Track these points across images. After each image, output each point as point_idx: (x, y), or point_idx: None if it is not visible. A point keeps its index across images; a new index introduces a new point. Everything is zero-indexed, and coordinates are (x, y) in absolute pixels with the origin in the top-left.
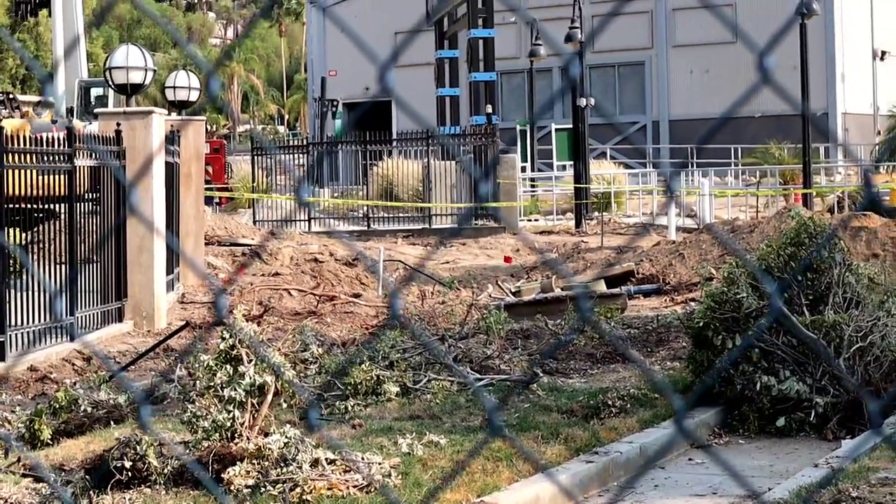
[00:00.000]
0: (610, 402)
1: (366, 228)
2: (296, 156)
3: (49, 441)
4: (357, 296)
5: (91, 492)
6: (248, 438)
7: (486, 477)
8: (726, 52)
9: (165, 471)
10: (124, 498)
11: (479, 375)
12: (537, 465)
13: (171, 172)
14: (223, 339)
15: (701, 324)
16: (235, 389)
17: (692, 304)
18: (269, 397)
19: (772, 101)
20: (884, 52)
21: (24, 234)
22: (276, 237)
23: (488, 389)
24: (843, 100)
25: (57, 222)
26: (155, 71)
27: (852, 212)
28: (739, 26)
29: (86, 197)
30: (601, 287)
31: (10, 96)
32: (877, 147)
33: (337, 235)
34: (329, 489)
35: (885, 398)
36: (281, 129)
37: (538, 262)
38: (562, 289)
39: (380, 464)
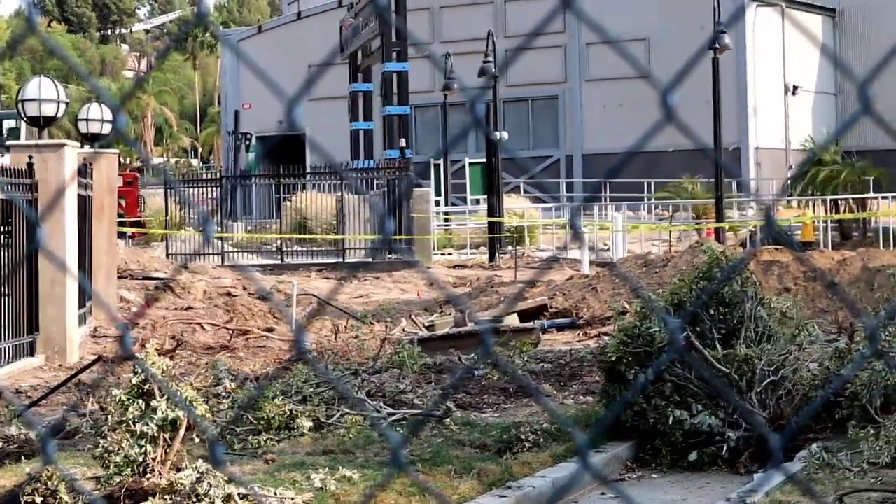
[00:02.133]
0: (523, 437)
1: (279, 262)
2: (208, 189)
3: None
4: (270, 330)
5: None
6: (160, 473)
7: None
8: (640, 87)
9: None
10: None
11: (392, 410)
12: (446, 502)
13: (84, 205)
14: (135, 373)
15: (613, 358)
16: (147, 424)
17: (605, 338)
18: (182, 432)
19: (684, 135)
20: (795, 87)
21: None
22: (189, 271)
23: (401, 424)
24: (756, 134)
25: None
26: (68, 103)
27: (764, 245)
28: (651, 61)
29: None
30: (514, 321)
31: None
32: (788, 182)
33: (244, 270)
34: None
35: (785, 434)
36: (195, 161)
37: (446, 297)
38: (475, 323)
39: (292, 499)
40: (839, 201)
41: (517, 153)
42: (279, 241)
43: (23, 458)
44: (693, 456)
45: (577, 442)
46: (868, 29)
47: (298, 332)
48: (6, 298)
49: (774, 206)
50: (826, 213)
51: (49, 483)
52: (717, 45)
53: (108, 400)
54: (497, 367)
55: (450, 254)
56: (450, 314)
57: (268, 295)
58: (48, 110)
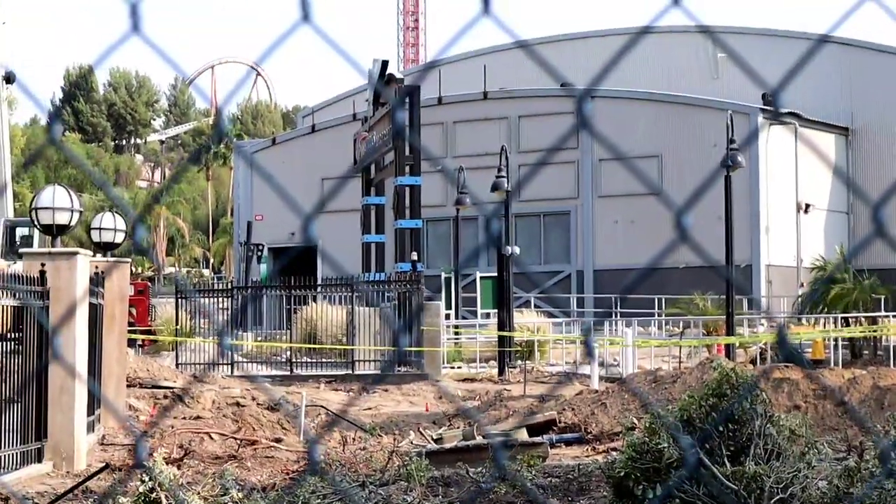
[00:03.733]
0: None
1: (288, 373)
2: (220, 300)
3: None
4: (278, 440)
5: None
6: None
7: None
8: (651, 203)
9: None
10: None
11: None
12: None
13: (95, 314)
14: (142, 481)
15: (622, 473)
16: None
17: (614, 453)
18: None
19: (693, 252)
20: (808, 205)
21: None
22: (199, 380)
23: None
24: (768, 252)
25: None
26: (81, 212)
27: (774, 363)
28: (663, 178)
29: (8, 336)
30: (523, 435)
31: None
32: (799, 299)
33: (254, 380)
34: None
35: None
36: (206, 272)
37: (456, 411)
38: (483, 437)
39: None
40: (850, 319)
41: (529, 268)
42: (289, 352)
43: None
44: None
45: None
46: (881, 148)
47: (310, 444)
48: (15, 405)
49: (786, 323)
50: (837, 330)
51: None
52: (730, 164)
53: None
54: (505, 480)
55: (459, 367)
56: (458, 427)
57: (279, 404)
58: (62, 219)
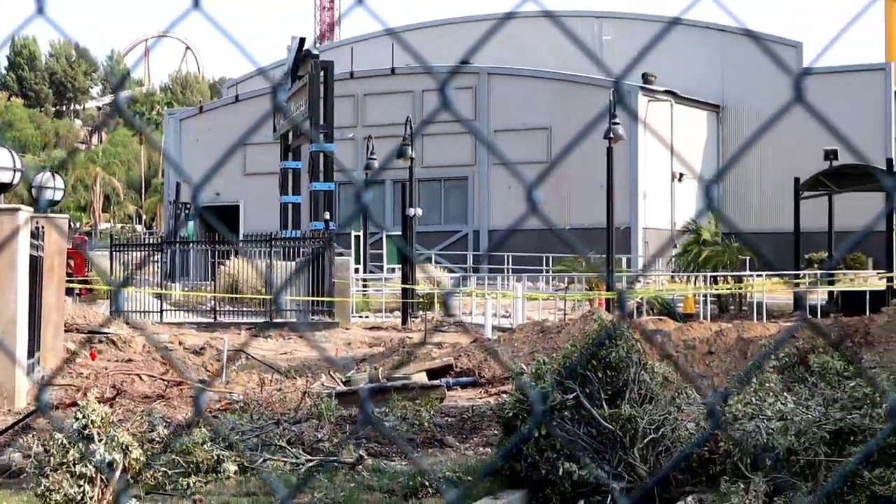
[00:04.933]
0: (427, 484)
1: (213, 321)
2: (150, 253)
3: None
4: (203, 381)
5: None
6: None
7: None
8: (541, 170)
9: None
10: None
11: (309, 457)
12: None
13: (35, 265)
14: (76, 419)
15: (511, 414)
16: (86, 465)
17: (504, 395)
18: (118, 474)
19: (580, 215)
20: (681, 175)
21: None
22: (130, 326)
23: (317, 469)
24: (645, 216)
25: None
26: (22, 171)
27: (650, 316)
28: (551, 148)
29: None
30: (423, 379)
31: None
32: (673, 259)
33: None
34: None
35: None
36: (139, 227)
37: (364, 355)
38: (388, 380)
39: None
40: (718, 278)
41: (429, 226)
42: (213, 301)
43: None
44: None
45: (446, 499)
46: (748, 123)
47: (197, 394)
48: None
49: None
50: (706, 287)
51: None
52: (611, 136)
53: (52, 443)
54: (405, 419)
55: (367, 316)
56: (365, 371)
57: (163, 349)
58: (4, 178)
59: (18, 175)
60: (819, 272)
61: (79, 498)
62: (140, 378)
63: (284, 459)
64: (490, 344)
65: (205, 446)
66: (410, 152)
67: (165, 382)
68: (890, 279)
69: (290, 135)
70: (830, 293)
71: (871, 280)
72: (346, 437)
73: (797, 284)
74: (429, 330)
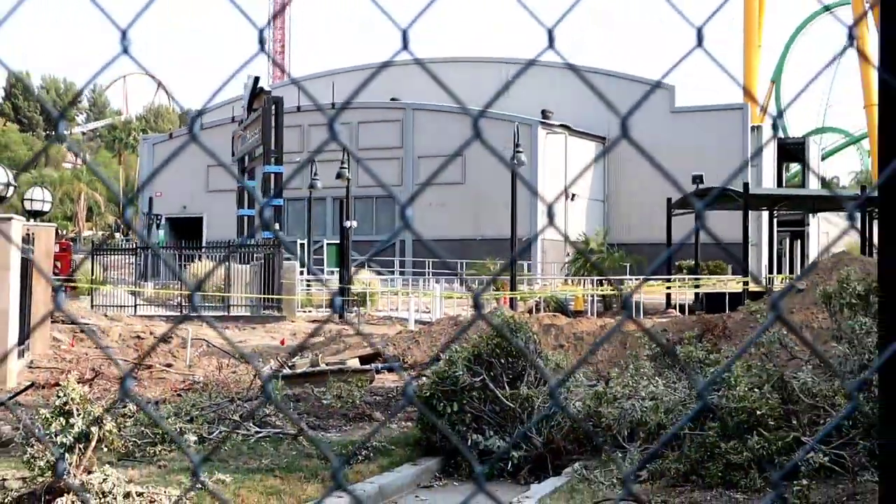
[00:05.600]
0: (357, 452)
1: (179, 314)
2: (126, 256)
3: None
4: (169, 366)
5: None
6: (75, 475)
7: None
8: (457, 190)
9: (6, 500)
10: None
11: (258, 429)
12: (298, 499)
13: (26, 266)
14: (58, 396)
15: (428, 394)
16: (66, 436)
17: (423, 378)
18: (93, 443)
19: (489, 228)
20: (574, 195)
21: None
22: (108, 318)
23: (266, 439)
24: (550, 231)
25: None
26: (16, 186)
27: (546, 312)
28: (467, 173)
29: None
30: (355, 364)
31: None
32: (566, 265)
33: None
34: None
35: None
36: (118, 235)
37: (304, 342)
38: (326, 364)
39: (178, 496)
40: (602, 281)
41: (362, 236)
42: (179, 298)
43: None
44: (486, 469)
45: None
46: (628, 153)
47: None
48: None
49: (555, 283)
50: (593, 289)
51: None
52: (515, 162)
53: (37, 417)
54: (340, 398)
55: (310, 311)
56: (307, 357)
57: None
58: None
59: (12, 189)
60: (687, 276)
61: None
62: (115, 362)
63: (237, 431)
64: (411, 334)
65: (169, 419)
66: (347, 174)
67: (137, 366)
68: (745, 283)
69: (247, 158)
70: (696, 294)
71: (729, 284)
72: (291, 412)
73: (668, 286)
74: (362, 322)
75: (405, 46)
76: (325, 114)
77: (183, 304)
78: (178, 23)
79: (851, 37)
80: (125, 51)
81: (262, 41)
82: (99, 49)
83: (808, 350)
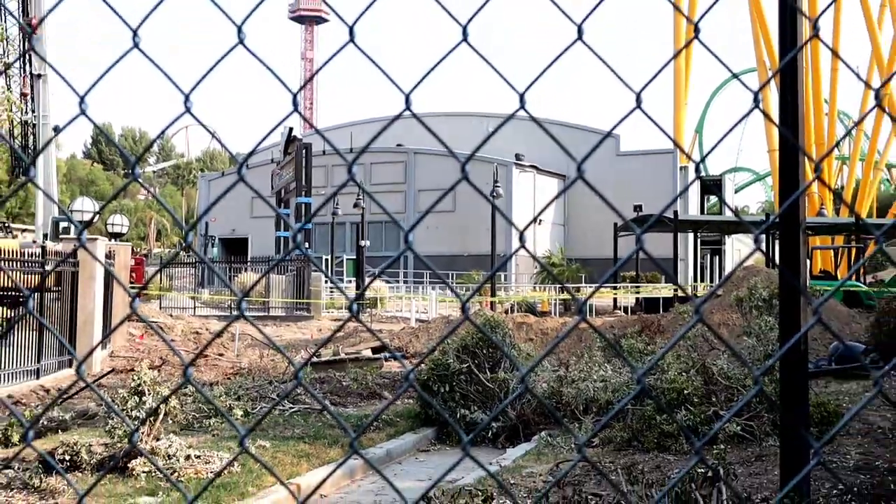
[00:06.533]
0: (370, 424)
1: (229, 314)
2: (188, 269)
3: (17, 443)
4: (221, 355)
5: (42, 475)
6: (146, 442)
7: (293, 467)
8: (448, 217)
9: (92, 461)
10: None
11: (291, 405)
12: (319, 460)
13: (108, 277)
14: (133, 379)
15: (426, 377)
16: (139, 411)
17: (422, 366)
18: (161, 417)
19: (474, 247)
20: (541, 220)
21: (9, 311)
22: (173, 318)
23: (296, 413)
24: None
25: (32, 304)
26: (100, 214)
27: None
28: (457, 202)
29: (51, 289)
30: (368, 353)
31: (6, 225)
32: (534, 275)
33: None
34: (195, 473)
35: (474, 430)
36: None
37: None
38: (346, 354)
39: (227, 458)
40: (563, 288)
41: (374, 252)
42: (229, 302)
43: (59, 431)
44: (471, 437)
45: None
46: (581, 188)
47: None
48: (58, 331)
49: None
50: (556, 294)
51: (74, 447)
52: (494, 195)
53: (116, 396)
54: (356, 381)
55: (332, 312)
56: (331, 348)
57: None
58: (88, 217)
59: (97, 216)
60: (629, 284)
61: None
62: (176, 353)
63: (275, 407)
64: (412, 331)
65: (221, 398)
66: (362, 204)
67: (196, 356)
68: (675, 290)
69: (283, 191)
70: (637, 298)
71: (663, 291)
72: (318, 392)
73: (615, 293)
74: (374, 321)
75: (408, 107)
76: (344, 159)
77: (232, 306)
78: (229, 83)
79: (756, 99)
80: (188, 110)
81: (294, 104)
82: (167, 104)
83: (723, 343)
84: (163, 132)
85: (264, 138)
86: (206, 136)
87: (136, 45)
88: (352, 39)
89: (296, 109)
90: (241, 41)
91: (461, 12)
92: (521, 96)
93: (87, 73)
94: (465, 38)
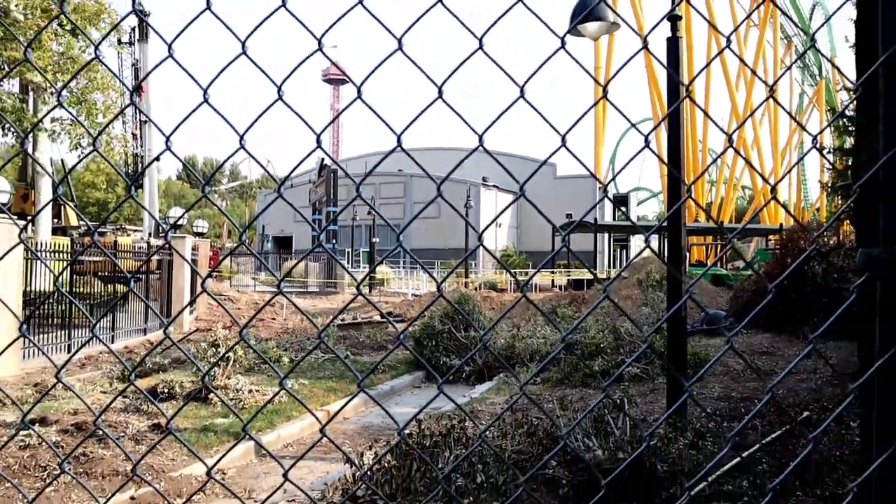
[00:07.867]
0: (379, 368)
1: (277, 291)
2: (250, 258)
3: (130, 380)
4: (273, 319)
5: (148, 402)
6: (219, 380)
7: (324, 398)
8: (435, 221)
9: (183, 393)
10: (163, 405)
11: (323, 354)
12: (344, 393)
13: (195, 264)
14: (212, 336)
15: (418, 336)
16: (215, 358)
17: (416, 326)
18: (230, 363)
19: (453, 242)
20: (500, 224)
21: (124, 288)
22: (240, 292)
23: (327, 361)
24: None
25: (133, 283)
26: (186, 219)
27: (484, 290)
28: (441, 211)
29: (153, 272)
30: (377, 318)
31: (123, 227)
32: (498, 264)
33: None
34: (255, 402)
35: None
36: (244, 247)
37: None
38: (362, 318)
39: (276, 392)
40: (517, 272)
41: (383, 247)
42: (279, 282)
43: (160, 371)
44: (450, 377)
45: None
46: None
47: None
48: (157, 301)
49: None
50: (511, 276)
51: (171, 383)
52: (467, 207)
53: (199, 347)
54: (369, 337)
55: (353, 289)
56: (350, 314)
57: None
58: (180, 221)
59: (185, 219)
60: (562, 269)
61: (213, 373)
62: (243, 317)
63: (314, 356)
64: (409, 302)
65: (272, 349)
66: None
67: (251, 319)
68: (594, 274)
69: (317, 203)
70: (568, 279)
71: (586, 274)
72: (343, 345)
73: (553, 275)
74: (383, 295)
75: (399, 144)
76: (354, 181)
77: (280, 286)
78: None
79: (647, 141)
80: (242, 147)
81: (318, 142)
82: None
83: (622, 313)
84: (222, 164)
85: (297, 167)
86: (262, 162)
87: (205, 101)
88: (359, 96)
89: (319, 146)
90: (280, 97)
91: (436, 71)
92: (480, 137)
93: (177, 115)
94: (440, 96)
